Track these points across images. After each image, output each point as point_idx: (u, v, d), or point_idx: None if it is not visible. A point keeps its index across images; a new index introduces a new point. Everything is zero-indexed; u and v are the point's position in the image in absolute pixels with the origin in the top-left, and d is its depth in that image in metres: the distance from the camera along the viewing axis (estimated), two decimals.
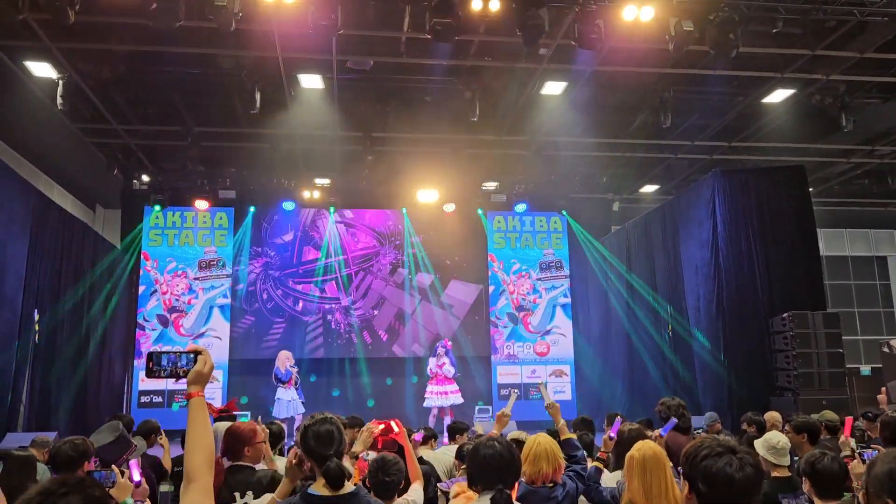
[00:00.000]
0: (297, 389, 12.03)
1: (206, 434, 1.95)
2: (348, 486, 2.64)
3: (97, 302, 12.02)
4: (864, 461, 3.75)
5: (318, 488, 2.63)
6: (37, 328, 9.46)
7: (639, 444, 3.15)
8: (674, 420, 4.83)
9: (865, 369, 16.78)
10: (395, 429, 3.88)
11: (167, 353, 2.08)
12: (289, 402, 11.81)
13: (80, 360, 11.19)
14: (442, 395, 12.13)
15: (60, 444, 3.66)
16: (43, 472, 4.26)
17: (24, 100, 10.02)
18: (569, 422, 4.63)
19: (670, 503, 2.94)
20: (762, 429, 6.35)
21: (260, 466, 3.81)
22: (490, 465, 2.88)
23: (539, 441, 3.55)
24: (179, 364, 2.06)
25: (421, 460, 5.05)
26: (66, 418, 10.47)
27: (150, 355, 2.08)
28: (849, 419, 4.37)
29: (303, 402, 12.00)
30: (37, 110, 10.24)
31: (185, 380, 2.03)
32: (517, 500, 3.02)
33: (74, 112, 10.59)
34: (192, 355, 2.06)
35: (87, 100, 10.40)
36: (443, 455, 5.49)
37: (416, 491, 3.43)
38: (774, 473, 4.10)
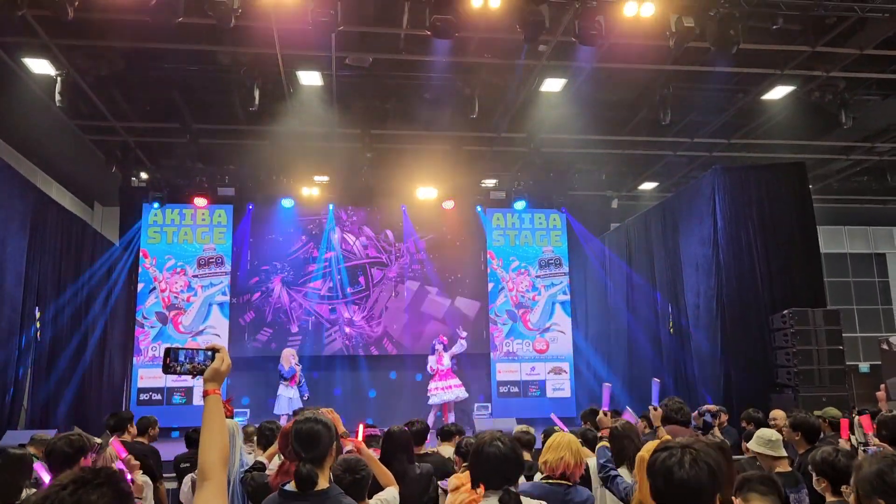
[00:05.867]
0: (299, 387, 12.01)
1: (222, 432, 1.96)
2: (321, 484, 2.69)
3: (96, 299, 12.01)
4: None
5: (293, 486, 2.70)
6: (37, 325, 9.45)
7: (648, 445, 3.15)
8: (656, 380, 4.94)
9: (864, 366, 16.83)
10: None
11: (184, 349, 2.07)
12: (289, 400, 11.78)
13: (79, 357, 11.18)
14: (447, 390, 12.11)
15: (55, 441, 3.63)
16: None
17: (22, 97, 9.98)
18: (570, 418, 4.68)
19: None
20: (761, 426, 6.35)
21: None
22: (494, 464, 2.89)
23: (563, 435, 3.72)
24: (196, 360, 2.05)
25: (426, 457, 5.05)
26: (66, 416, 10.45)
27: (168, 351, 2.07)
28: (844, 420, 4.37)
29: (305, 399, 11.94)
30: (35, 107, 10.20)
31: (200, 377, 2.02)
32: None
33: (73, 109, 10.56)
34: (209, 352, 2.05)
35: (86, 97, 10.37)
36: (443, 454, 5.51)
37: (390, 492, 3.43)
38: (778, 469, 4.13)
